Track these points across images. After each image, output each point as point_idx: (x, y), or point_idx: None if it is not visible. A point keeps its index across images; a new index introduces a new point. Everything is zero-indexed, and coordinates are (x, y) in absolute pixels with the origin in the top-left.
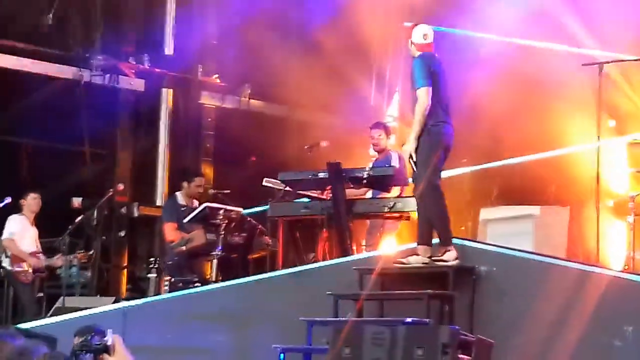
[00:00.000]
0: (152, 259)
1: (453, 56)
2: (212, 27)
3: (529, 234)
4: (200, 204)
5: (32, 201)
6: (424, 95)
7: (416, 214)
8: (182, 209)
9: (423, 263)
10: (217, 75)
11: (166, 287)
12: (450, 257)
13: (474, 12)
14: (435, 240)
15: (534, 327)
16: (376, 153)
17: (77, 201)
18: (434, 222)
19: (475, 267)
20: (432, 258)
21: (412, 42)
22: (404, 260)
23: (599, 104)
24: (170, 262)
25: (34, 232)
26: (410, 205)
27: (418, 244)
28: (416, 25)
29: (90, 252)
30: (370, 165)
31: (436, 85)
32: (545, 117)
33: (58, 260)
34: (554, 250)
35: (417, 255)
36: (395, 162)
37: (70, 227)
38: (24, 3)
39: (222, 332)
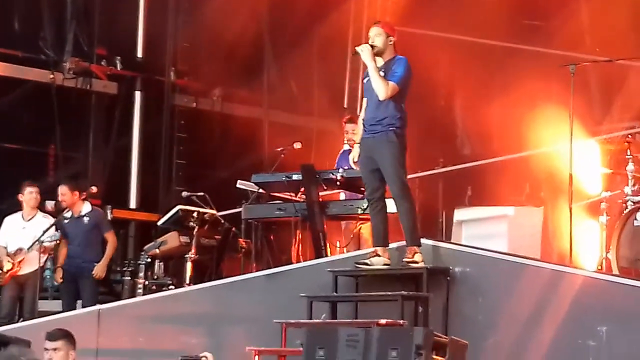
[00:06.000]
0: (126, 262)
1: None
2: (183, 29)
3: (503, 234)
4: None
5: (26, 195)
6: (394, 90)
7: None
8: None
9: (384, 264)
10: (189, 78)
11: (140, 290)
12: (419, 259)
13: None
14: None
15: (508, 327)
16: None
17: (50, 204)
18: (411, 223)
19: (449, 268)
20: (404, 260)
21: (391, 41)
22: (367, 262)
23: (571, 104)
24: None
25: (31, 227)
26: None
27: (408, 245)
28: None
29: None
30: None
31: (407, 93)
32: (519, 118)
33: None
34: (528, 250)
35: (379, 256)
36: None
37: (44, 230)
38: None
39: (195, 334)
